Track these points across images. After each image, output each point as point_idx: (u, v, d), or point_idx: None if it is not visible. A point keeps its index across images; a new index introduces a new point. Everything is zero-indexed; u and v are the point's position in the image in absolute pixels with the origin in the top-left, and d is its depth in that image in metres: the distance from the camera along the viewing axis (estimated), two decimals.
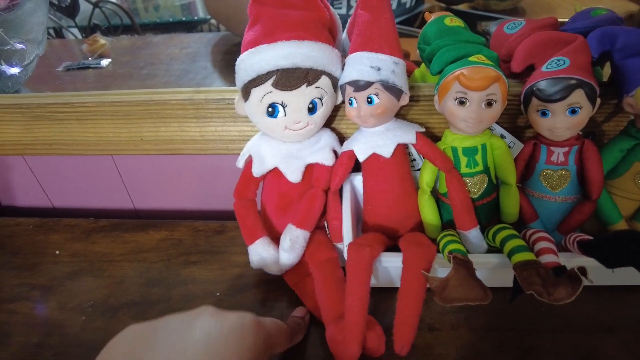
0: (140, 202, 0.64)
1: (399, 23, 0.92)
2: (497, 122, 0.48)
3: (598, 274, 0.36)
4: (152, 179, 0.61)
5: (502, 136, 0.47)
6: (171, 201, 0.63)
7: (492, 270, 0.42)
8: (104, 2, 1.47)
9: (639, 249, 0.33)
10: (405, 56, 0.64)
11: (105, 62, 0.92)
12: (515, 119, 0.49)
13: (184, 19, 1.69)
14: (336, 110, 0.48)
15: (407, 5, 1.00)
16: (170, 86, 0.81)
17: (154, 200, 0.64)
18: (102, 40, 0.98)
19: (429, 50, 0.46)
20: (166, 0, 1.88)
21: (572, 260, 0.39)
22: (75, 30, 1.48)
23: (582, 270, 0.32)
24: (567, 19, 0.49)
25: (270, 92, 0.40)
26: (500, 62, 0.49)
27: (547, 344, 0.42)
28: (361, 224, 0.50)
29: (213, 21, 1.64)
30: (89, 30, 1.45)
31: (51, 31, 1.48)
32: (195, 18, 1.71)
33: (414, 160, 0.49)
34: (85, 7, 1.43)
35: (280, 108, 0.41)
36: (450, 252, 0.37)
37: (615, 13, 0.48)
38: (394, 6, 0.97)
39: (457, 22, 0.47)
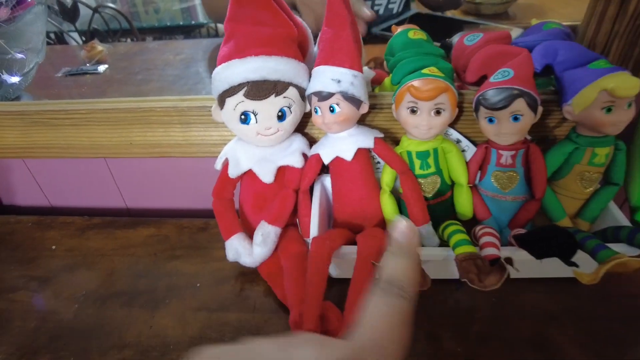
0: (131, 202, 0.69)
1: (386, 29, 0.96)
2: (454, 128, 0.52)
3: (550, 265, 0.40)
4: (142, 180, 0.65)
5: (458, 141, 0.51)
6: (160, 201, 0.68)
7: (444, 263, 0.46)
8: (103, 7, 1.51)
9: (561, 242, 0.37)
10: (382, 64, 0.68)
11: (102, 67, 0.96)
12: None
13: (181, 23, 1.74)
14: (308, 117, 0.52)
15: (394, 10, 1.03)
16: (163, 91, 0.85)
17: (145, 200, 0.68)
18: (100, 46, 1.02)
19: (392, 61, 0.50)
20: (166, 4, 1.93)
21: (515, 253, 0.43)
22: (76, 35, 1.53)
23: (509, 260, 0.37)
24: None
25: (242, 101, 0.44)
26: (460, 72, 0.53)
27: (496, 330, 0.46)
28: (332, 221, 0.54)
29: (212, 25, 1.68)
30: (88, 34, 1.50)
31: (52, 35, 1.53)
32: (193, 22, 1.76)
33: (379, 162, 0.53)
34: (85, 12, 1.48)
35: (252, 116, 0.45)
36: None
37: (566, 27, 0.52)
38: (381, 11, 1.01)
39: (420, 35, 0.51)
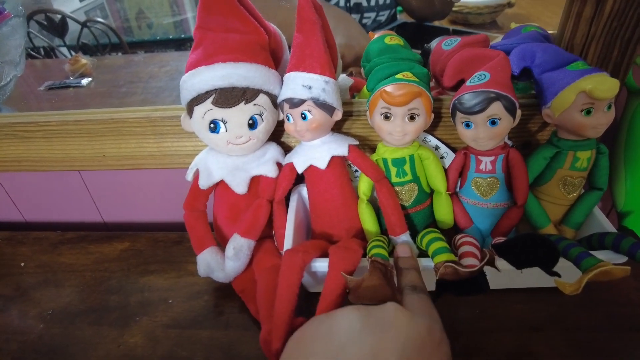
0: (108, 215, 0.67)
1: None
2: (433, 134, 0.51)
3: (532, 275, 0.38)
4: (118, 192, 0.64)
5: (437, 147, 0.50)
6: (136, 214, 0.66)
7: (424, 273, 0.44)
8: (93, 21, 1.51)
9: (542, 250, 0.36)
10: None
11: (85, 81, 0.95)
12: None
13: (170, 37, 1.74)
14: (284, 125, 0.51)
15: (382, 21, 1.04)
16: (147, 103, 0.84)
17: (121, 213, 0.66)
18: (84, 59, 1.02)
19: (368, 67, 0.49)
20: (159, 18, 1.93)
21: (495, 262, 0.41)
22: (65, 50, 1.53)
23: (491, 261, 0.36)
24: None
25: (211, 109, 0.43)
26: (438, 77, 0.52)
27: (480, 344, 0.44)
28: (311, 232, 0.52)
29: None
30: (78, 49, 1.50)
31: (41, 50, 1.53)
32: (182, 36, 1.76)
33: (357, 171, 0.51)
34: (75, 27, 1.48)
35: (221, 124, 0.44)
36: (371, 256, 0.39)
37: (545, 30, 0.51)
38: (369, 22, 1.01)
39: (396, 40, 0.50)
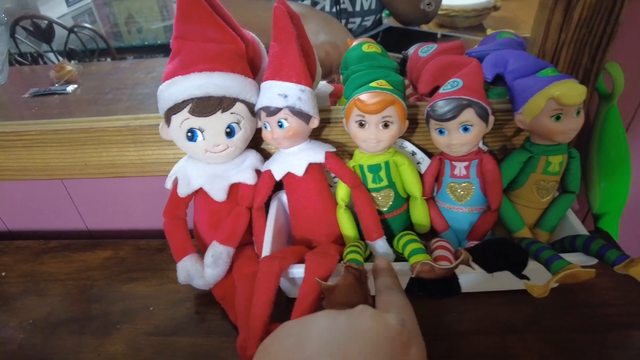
0: (92, 223, 0.67)
1: None
2: (410, 140, 0.51)
3: (506, 278, 0.39)
4: (101, 201, 0.64)
5: (414, 153, 0.51)
6: (120, 221, 0.66)
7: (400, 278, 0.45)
8: (80, 27, 1.51)
9: (511, 255, 0.37)
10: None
11: (71, 88, 0.95)
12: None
13: (159, 42, 1.74)
14: None
15: (368, 26, 1.04)
16: (132, 110, 0.84)
17: (105, 221, 0.67)
18: (69, 66, 1.01)
19: (345, 75, 0.49)
20: (148, 23, 1.93)
21: (467, 268, 0.42)
22: (53, 55, 1.53)
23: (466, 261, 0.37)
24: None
25: (188, 118, 0.43)
26: (415, 83, 0.53)
27: (458, 347, 0.44)
28: (291, 238, 0.53)
29: None
30: (65, 54, 1.50)
31: (28, 56, 1.52)
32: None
33: (335, 177, 0.52)
34: (62, 33, 1.47)
35: (199, 133, 0.44)
36: (346, 262, 0.40)
37: (519, 36, 0.52)
38: (354, 27, 1.02)
39: (374, 47, 0.51)
